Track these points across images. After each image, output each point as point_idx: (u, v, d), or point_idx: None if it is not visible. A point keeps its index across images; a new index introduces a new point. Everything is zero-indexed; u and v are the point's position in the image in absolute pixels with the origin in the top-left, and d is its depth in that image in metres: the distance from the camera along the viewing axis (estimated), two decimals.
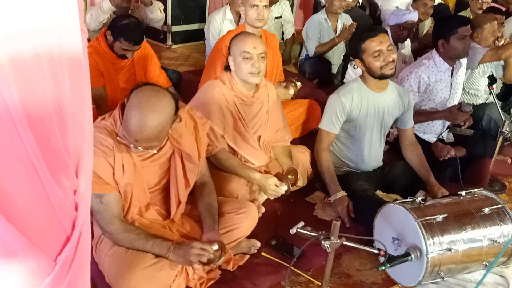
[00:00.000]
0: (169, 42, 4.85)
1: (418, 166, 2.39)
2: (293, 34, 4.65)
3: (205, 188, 1.92)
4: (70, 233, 1.02)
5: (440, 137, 2.85)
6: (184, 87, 3.50)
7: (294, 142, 2.84)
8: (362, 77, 2.28)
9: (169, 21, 4.73)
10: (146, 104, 1.51)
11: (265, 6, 2.71)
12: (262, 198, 2.30)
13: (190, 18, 4.90)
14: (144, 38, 2.74)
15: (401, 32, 3.60)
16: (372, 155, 2.40)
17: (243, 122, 2.26)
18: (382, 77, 2.19)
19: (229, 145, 2.25)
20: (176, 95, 1.65)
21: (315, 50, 4.00)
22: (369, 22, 4.81)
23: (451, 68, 2.71)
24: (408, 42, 3.80)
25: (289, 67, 4.59)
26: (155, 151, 1.67)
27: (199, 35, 4.78)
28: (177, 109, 1.62)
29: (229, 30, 2.99)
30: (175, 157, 1.79)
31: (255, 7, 2.67)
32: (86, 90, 0.94)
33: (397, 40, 3.66)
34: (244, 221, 1.90)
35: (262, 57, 2.16)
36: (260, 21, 2.72)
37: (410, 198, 1.89)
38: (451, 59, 2.68)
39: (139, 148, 1.56)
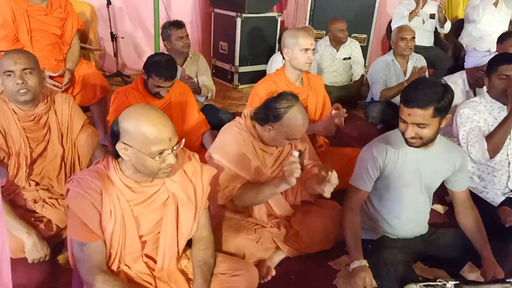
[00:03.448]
0: (235, 82, 4.89)
1: (474, 234, 1.94)
2: (362, 75, 4.38)
3: (202, 243, 1.75)
4: None
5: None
6: None
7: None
8: None
9: (237, 62, 4.79)
10: (146, 110, 1.51)
11: (314, 49, 2.63)
12: (278, 258, 2.07)
13: (258, 59, 4.92)
14: (177, 77, 2.73)
15: (480, 75, 3.16)
16: (412, 219, 2.01)
17: (262, 162, 2.08)
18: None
19: None
20: None
21: (380, 94, 3.66)
22: (449, 64, 4.36)
23: (504, 107, 2.36)
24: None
25: (355, 110, 4.32)
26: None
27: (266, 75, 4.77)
28: None
29: (268, 75, 2.92)
30: (169, 203, 1.67)
31: (306, 51, 2.57)
32: None
33: (475, 85, 3.20)
34: (239, 284, 1.69)
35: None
36: (309, 65, 2.63)
37: (439, 281, 1.52)
38: (498, 98, 2.37)
39: (174, 150, 1.50)
